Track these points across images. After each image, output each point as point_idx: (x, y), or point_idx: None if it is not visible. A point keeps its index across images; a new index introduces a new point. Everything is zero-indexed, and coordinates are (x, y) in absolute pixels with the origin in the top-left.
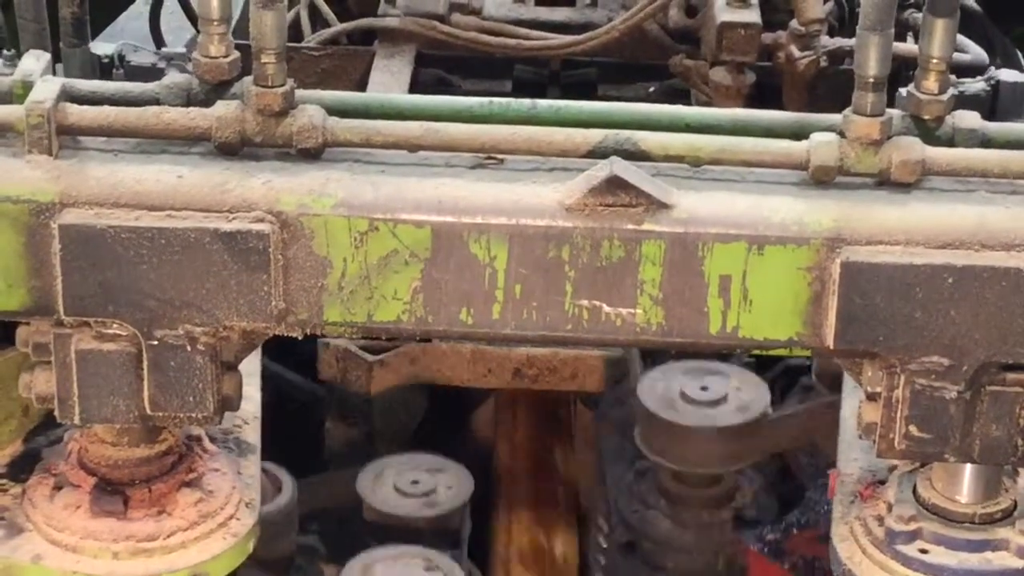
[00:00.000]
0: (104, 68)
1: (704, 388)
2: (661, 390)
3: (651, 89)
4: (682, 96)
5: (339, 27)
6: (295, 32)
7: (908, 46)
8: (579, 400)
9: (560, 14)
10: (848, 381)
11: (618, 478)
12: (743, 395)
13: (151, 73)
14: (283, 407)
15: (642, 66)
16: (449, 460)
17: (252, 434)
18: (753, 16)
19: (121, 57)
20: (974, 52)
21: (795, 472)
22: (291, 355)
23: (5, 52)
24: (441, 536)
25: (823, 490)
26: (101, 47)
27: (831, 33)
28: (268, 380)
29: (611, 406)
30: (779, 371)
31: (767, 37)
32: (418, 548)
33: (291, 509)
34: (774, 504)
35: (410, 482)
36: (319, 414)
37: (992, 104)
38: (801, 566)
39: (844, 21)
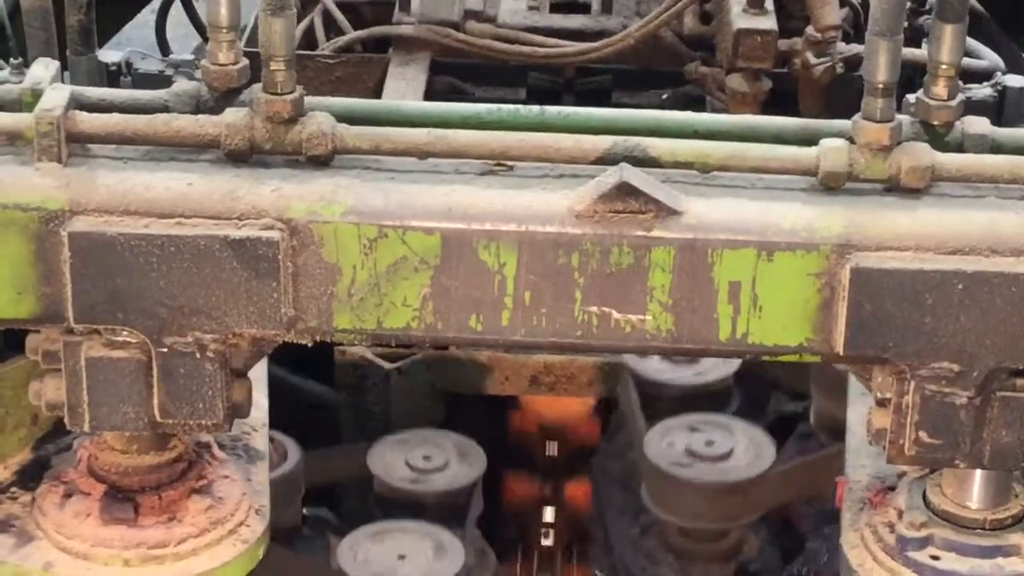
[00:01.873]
0: (112, 76)
1: (710, 443)
2: (667, 446)
3: (664, 96)
4: (696, 103)
5: (353, 35)
6: (309, 40)
7: (923, 52)
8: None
9: (574, 21)
10: (854, 388)
11: (622, 533)
12: (749, 449)
13: (158, 80)
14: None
15: (657, 73)
16: (463, 437)
17: (261, 441)
18: (769, 23)
19: (129, 64)
20: (990, 58)
21: (795, 521)
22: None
23: (12, 60)
24: (449, 513)
25: (824, 539)
26: (109, 55)
27: (847, 39)
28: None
29: (609, 459)
30: (774, 418)
31: (783, 44)
32: (421, 523)
33: (297, 477)
34: (777, 554)
35: (421, 457)
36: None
37: (999, 109)
38: None
39: (860, 28)
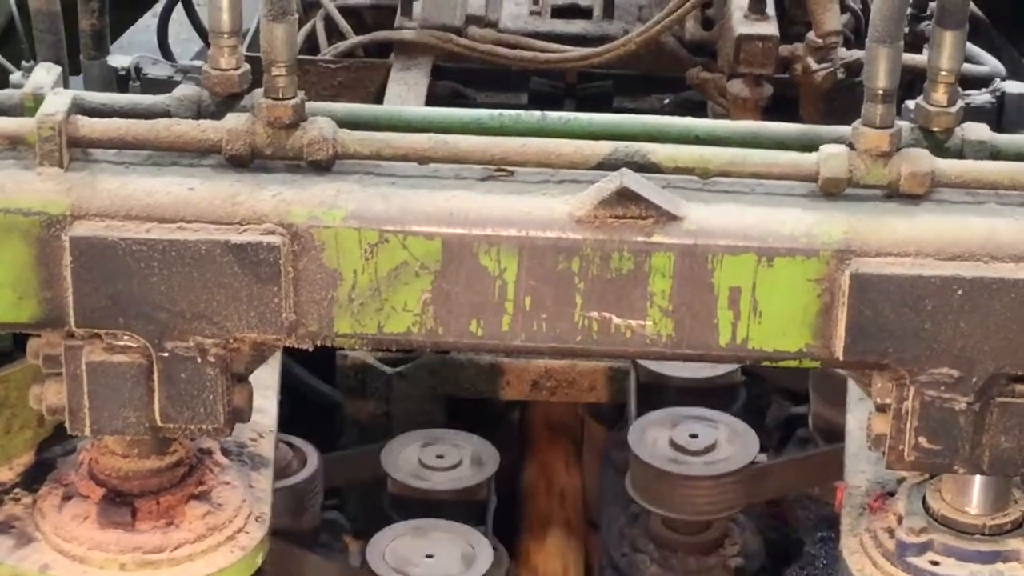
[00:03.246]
0: (121, 80)
1: (694, 436)
2: (651, 437)
3: (666, 101)
4: (698, 108)
5: (355, 40)
6: (311, 45)
7: (924, 58)
8: (589, 414)
9: (576, 27)
10: (852, 393)
11: (612, 521)
12: (732, 444)
13: (168, 86)
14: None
15: (658, 78)
16: (474, 435)
17: (267, 448)
18: (770, 28)
19: (138, 69)
20: (991, 64)
21: (792, 524)
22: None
23: (24, 64)
24: (466, 510)
25: (822, 544)
26: (118, 59)
27: (848, 45)
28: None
29: (614, 448)
30: (779, 420)
31: (784, 49)
32: (443, 521)
33: (316, 482)
34: (767, 554)
35: (435, 456)
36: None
37: (998, 116)
38: None
39: (861, 33)
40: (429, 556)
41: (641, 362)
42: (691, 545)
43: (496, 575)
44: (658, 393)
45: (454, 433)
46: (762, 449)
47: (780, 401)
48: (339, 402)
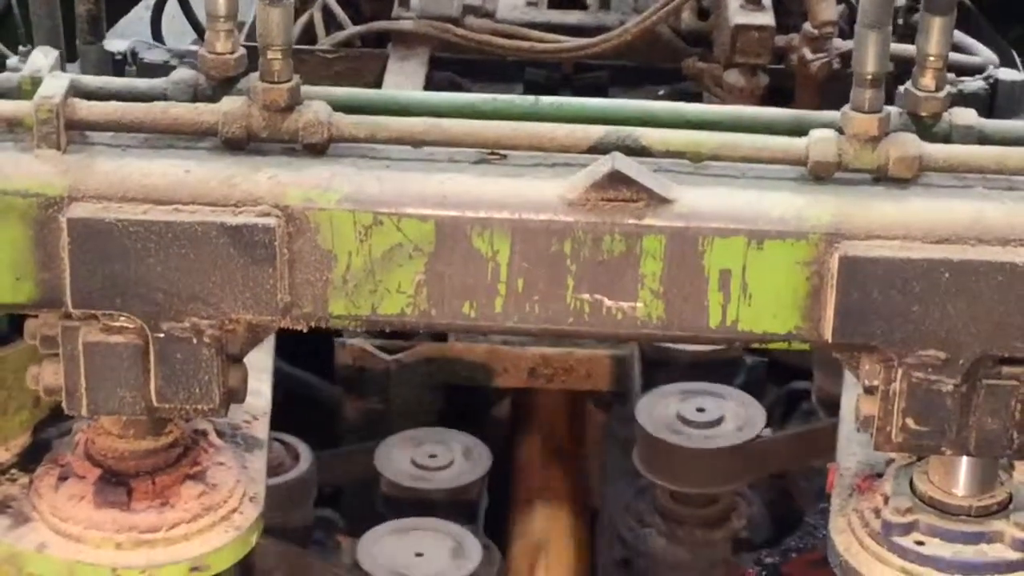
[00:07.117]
0: (117, 65)
1: (701, 409)
2: (659, 411)
3: (661, 92)
4: (694, 99)
5: (353, 30)
6: (309, 35)
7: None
8: (591, 401)
9: (572, 17)
10: (848, 376)
11: (618, 496)
12: (739, 417)
13: (163, 70)
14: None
15: (654, 69)
16: (466, 434)
17: (261, 430)
18: (766, 18)
19: (134, 54)
20: (984, 54)
21: (794, 495)
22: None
23: (21, 48)
24: (458, 509)
25: (822, 514)
26: (115, 44)
27: (843, 35)
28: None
29: (617, 423)
30: (782, 394)
31: (780, 39)
32: (434, 520)
33: (309, 479)
34: (770, 525)
35: (427, 456)
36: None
37: (991, 102)
38: None
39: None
40: (419, 554)
41: None
42: (698, 518)
43: (487, 573)
44: (661, 366)
45: (448, 432)
46: (767, 423)
47: (786, 374)
48: (337, 398)
